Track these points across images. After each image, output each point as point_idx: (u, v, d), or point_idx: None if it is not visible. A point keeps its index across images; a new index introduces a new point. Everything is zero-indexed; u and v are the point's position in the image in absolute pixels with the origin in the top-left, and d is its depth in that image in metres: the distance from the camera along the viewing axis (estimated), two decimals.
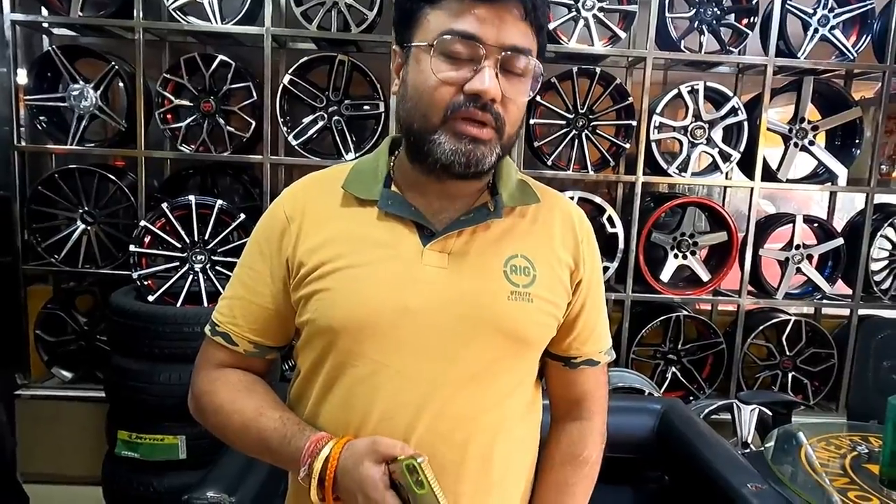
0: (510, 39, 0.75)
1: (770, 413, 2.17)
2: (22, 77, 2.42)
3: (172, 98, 2.40)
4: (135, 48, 2.36)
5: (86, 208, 2.43)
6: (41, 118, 2.46)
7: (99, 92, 2.38)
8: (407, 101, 0.80)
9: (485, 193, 0.86)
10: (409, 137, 0.81)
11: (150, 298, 2.15)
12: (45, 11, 2.44)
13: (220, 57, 2.36)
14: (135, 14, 2.33)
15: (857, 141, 2.57)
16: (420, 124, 0.78)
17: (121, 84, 2.46)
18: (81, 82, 2.38)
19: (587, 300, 0.89)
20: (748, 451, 2.10)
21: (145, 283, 2.18)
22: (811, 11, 2.45)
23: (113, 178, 2.41)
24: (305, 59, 2.38)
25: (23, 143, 2.43)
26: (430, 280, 0.79)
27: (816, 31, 2.45)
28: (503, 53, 0.75)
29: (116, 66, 2.38)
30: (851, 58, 2.48)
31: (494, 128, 0.77)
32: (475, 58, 0.75)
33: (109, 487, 2.10)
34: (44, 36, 2.62)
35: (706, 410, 2.37)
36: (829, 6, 2.44)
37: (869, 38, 2.50)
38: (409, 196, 0.84)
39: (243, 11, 2.35)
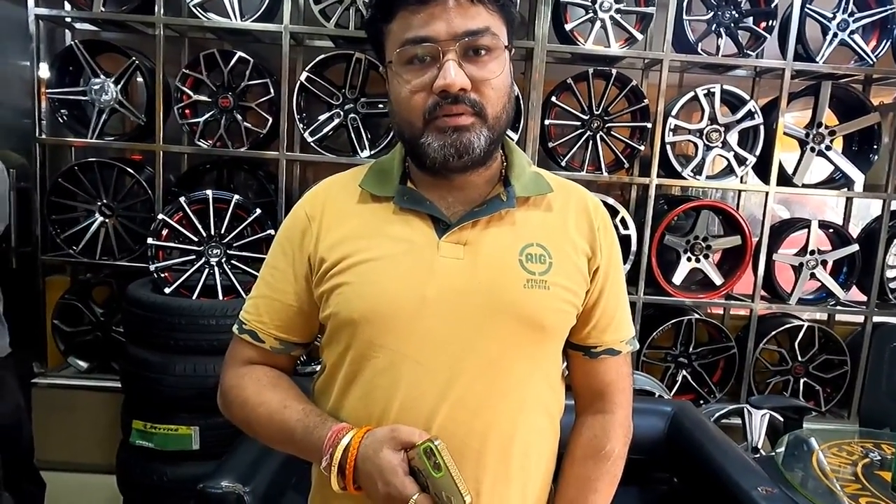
0: (461, 27, 0.77)
1: (781, 418, 2.16)
2: (44, 71, 2.46)
3: (191, 93, 2.43)
4: (155, 44, 2.39)
5: (104, 201, 2.47)
6: (62, 111, 2.50)
7: (119, 86, 2.42)
8: (394, 115, 0.84)
9: (498, 185, 0.88)
10: (406, 146, 0.85)
11: (167, 291, 2.17)
12: (68, 6, 2.48)
13: (239, 53, 2.39)
14: (156, 10, 2.36)
15: (874, 147, 2.54)
16: (408, 133, 0.82)
17: (140, 79, 2.49)
18: (102, 77, 2.42)
19: (605, 287, 0.89)
20: (758, 455, 2.10)
21: (162, 275, 2.21)
22: (830, 15, 2.43)
23: (131, 171, 2.45)
24: (322, 56, 2.40)
25: (43, 136, 2.47)
26: (446, 271, 0.81)
27: (836, 35, 2.43)
28: (457, 43, 0.77)
29: (137, 61, 2.41)
30: (871, 63, 2.46)
31: (474, 114, 0.79)
32: (436, 56, 0.78)
33: (123, 476, 2.13)
34: (66, 30, 2.66)
35: (717, 414, 2.36)
36: (849, 10, 2.42)
37: (889, 43, 2.47)
38: (424, 191, 0.86)
39: (262, 9, 2.37)
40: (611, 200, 2.46)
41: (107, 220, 2.48)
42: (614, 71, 2.43)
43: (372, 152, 2.43)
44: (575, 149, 2.49)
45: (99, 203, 2.47)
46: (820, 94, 2.48)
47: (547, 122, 2.47)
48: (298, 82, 2.39)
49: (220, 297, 2.21)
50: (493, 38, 0.79)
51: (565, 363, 0.95)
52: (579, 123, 2.48)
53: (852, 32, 2.44)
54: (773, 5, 2.41)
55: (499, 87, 0.81)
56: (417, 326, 0.80)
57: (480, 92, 0.79)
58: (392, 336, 0.81)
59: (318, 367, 0.92)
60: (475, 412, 0.81)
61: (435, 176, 0.84)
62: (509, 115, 0.83)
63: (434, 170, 0.82)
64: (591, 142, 2.48)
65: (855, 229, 2.71)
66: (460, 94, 0.77)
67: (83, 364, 2.55)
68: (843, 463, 1.66)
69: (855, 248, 2.55)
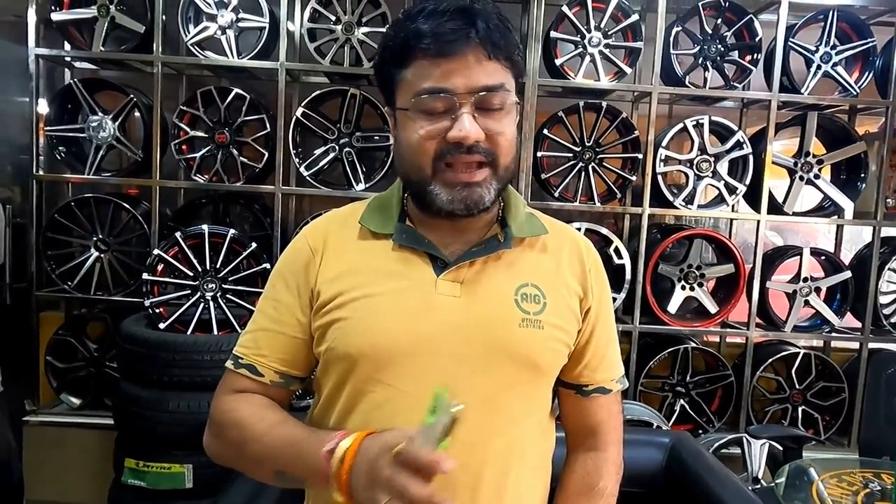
0: (479, 82, 0.79)
1: (780, 448, 2.14)
2: (43, 108, 2.49)
3: (188, 129, 2.46)
4: (153, 81, 2.43)
5: (100, 236, 2.47)
6: (60, 148, 2.52)
7: (117, 123, 2.44)
8: (401, 157, 0.85)
9: (495, 225, 0.90)
10: (412, 189, 0.87)
11: (161, 326, 2.16)
12: (67, 46, 2.52)
13: (236, 90, 2.43)
14: (154, 49, 2.41)
15: (862, 175, 2.59)
16: (416, 177, 0.83)
17: (138, 115, 2.52)
18: (100, 114, 2.44)
19: (597, 327, 0.91)
20: (759, 486, 2.08)
21: (157, 310, 2.20)
22: (813, 48, 2.49)
23: (127, 206, 2.46)
24: (318, 92, 2.44)
25: (41, 173, 2.49)
26: (443, 309, 0.82)
27: (819, 67, 2.49)
28: (475, 97, 0.79)
29: (135, 99, 2.44)
30: (854, 93, 2.51)
31: (487, 164, 0.81)
32: (451, 107, 0.79)
33: None
34: (65, 69, 2.70)
35: (716, 444, 2.34)
36: (832, 43, 2.49)
37: (871, 74, 2.54)
38: (422, 229, 0.87)
39: (259, 47, 2.42)
40: (604, 230, 2.48)
41: (102, 255, 2.48)
42: (604, 104, 2.48)
43: (367, 185, 2.45)
44: (568, 180, 2.52)
45: (94, 238, 2.47)
46: (806, 124, 2.53)
47: (539, 153, 2.50)
48: (294, 117, 2.42)
49: (216, 331, 2.20)
50: (506, 94, 0.82)
51: (556, 401, 0.96)
52: (571, 155, 2.51)
53: (835, 64, 2.50)
54: (757, 39, 2.48)
55: (510, 138, 0.83)
56: (414, 363, 0.81)
57: (494, 142, 0.81)
58: (389, 372, 0.81)
59: (312, 402, 0.92)
60: (470, 449, 0.81)
61: (435, 217, 0.86)
62: (517, 165, 0.87)
63: (437, 215, 0.84)
64: (583, 173, 2.51)
65: (847, 256, 2.73)
66: (474, 145, 0.80)
67: (76, 401, 2.52)
68: (843, 493, 1.64)
69: (847, 274, 2.57)
